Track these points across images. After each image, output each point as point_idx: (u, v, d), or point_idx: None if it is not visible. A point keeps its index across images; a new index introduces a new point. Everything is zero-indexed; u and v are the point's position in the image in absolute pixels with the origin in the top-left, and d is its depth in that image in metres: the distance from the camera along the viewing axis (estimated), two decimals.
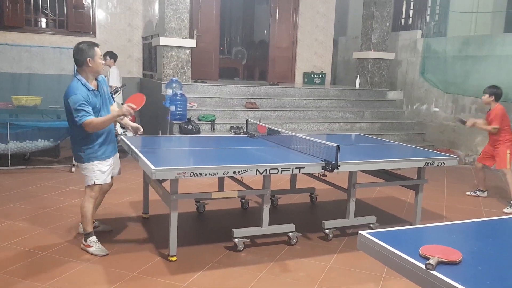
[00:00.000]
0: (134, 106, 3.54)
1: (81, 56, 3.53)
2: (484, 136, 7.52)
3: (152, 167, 3.23)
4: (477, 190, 6.03)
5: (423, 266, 1.66)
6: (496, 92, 5.58)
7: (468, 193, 6.07)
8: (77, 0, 9.00)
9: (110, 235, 4.08)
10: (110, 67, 7.68)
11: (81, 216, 3.70)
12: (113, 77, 7.58)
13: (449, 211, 5.26)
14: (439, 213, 5.16)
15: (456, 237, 2.10)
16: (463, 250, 1.80)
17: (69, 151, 6.88)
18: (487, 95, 5.61)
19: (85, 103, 3.45)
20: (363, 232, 2.00)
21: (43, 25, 9.25)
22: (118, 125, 7.30)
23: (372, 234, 1.98)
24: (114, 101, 7.31)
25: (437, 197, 5.82)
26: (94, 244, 3.64)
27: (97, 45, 3.65)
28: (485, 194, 5.99)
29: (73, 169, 6.28)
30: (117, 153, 3.94)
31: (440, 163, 4.25)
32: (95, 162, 3.62)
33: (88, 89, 3.54)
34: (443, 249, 1.78)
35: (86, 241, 3.66)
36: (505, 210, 5.47)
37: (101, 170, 3.65)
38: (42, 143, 6.46)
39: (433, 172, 6.68)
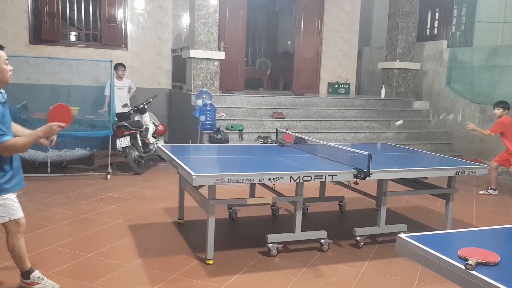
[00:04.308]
0: (63, 124, 2.94)
1: None
2: None
3: (193, 173, 3.40)
4: (489, 189, 6.54)
5: (462, 267, 1.76)
6: (506, 107, 6.40)
7: (482, 192, 6.57)
8: (110, 14, 9.38)
9: (148, 239, 4.26)
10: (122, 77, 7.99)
11: (14, 257, 3.08)
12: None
13: (479, 221, 5.27)
14: (469, 222, 5.18)
15: (492, 241, 2.19)
16: (500, 253, 1.90)
17: (103, 159, 7.18)
18: (501, 109, 6.37)
19: None
20: (403, 235, 2.11)
21: (78, 38, 9.65)
22: (150, 134, 7.59)
23: (412, 237, 2.09)
24: (146, 111, 7.62)
25: (466, 206, 5.83)
26: (39, 280, 3.14)
27: (1, 47, 2.86)
28: (496, 192, 6.51)
29: (109, 176, 6.53)
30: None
31: (470, 172, 4.30)
32: (6, 196, 2.90)
33: None
34: (481, 251, 1.88)
35: (28, 278, 3.13)
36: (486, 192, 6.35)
37: (14, 202, 2.97)
38: (79, 152, 6.75)
39: (462, 182, 6.68)
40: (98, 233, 4.35)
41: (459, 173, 4.22)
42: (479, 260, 1.80)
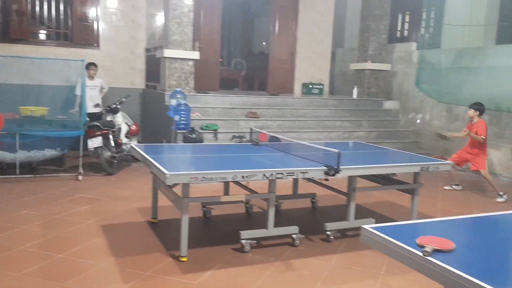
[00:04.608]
0: None
1: None
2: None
3: (167, 172, 3.43)
4: (453, 185, 6.90)
5: (420, 254, 1.87)
6: (480, 109, 6.48)
7: (446, 187, 6.91)
8: (82, 13, 9.26)
9: (121, 238, 4.26)
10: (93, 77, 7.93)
11: None
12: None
13: (442, 214, 5.48)
14: (433, 215, 5.37)
15: (450, 231, 2.33)
16: (455, 241, 2.01)
17: (74, 160, 7.10)
18: (473, 111, 6.48)
19: None
20: (366, 226, 2.21)
21: (49, 37, 9.49)
22: (122, 134, 7.55)
23: (375, 228, 2.19)
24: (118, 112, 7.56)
25: (431, 201, 6.05)
26: None
27: None
28: (460, 187, 6.86)
29: (80, 177, 6.46)
30: None
31: (435, 168, 4.49)
32: None
33: None
34: (437, 240, 2.00)
35: None
36: (498, 199, 6.30)
37: None
38: (49, 152, 6.65)
39: (428, 178, 6.92)
40: (69, 233, 4.33)
41: (424, 169, 4.40)
42: (435, 248, 1.91)
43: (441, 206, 5.87)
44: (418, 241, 1.98)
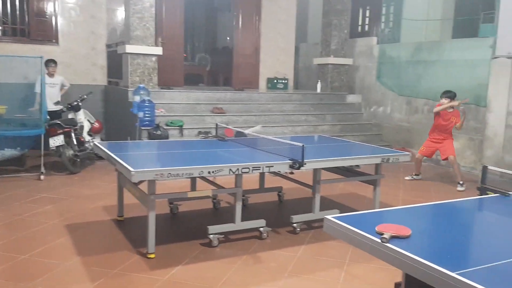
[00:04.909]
0: None
1: None
2: None
3: (132, 169, 3.42)
4: (414, 175, 7.16)
5: (379, 241, 1.97)
6: (451, 96, 6.66)
7: (407, 177, 7.17)
8: (39, 8, 8.97)
9: (87, 237, 4.21)
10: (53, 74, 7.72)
11: None
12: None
13: (404, 203, 5.69)
14: (395, 206, 5.56)
15: (407, 218, 2.45)
16: (412, 227, 2.13)
17: (36, 159, 6.91)
18: (448, 99, 6.59)
19: None
20: (329, 217, 2.30)
21: (4, 33, 9.14)
22: (85, 132, 7.41)
23: (337, 218, 2.29)
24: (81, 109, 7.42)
25: (393, 191, 6.27)
26: None
27: None
28: (420, 177, 7.14)
29: (42, 177, 6.30)
30: None
31: (395, 159, 4.66)
32: None
33: None
34: (395, 227, 2.10)
35: None
36: (458, 188, 6.54)
37: None
38: (9, 152, 6.45)
39: (391, 170, 7.15)
40: (33, 234, 4.24)
41: (385, 160, 4.56)
42: (393, 234, 2.01)
43: (402, 196, 6.10)
44: (377, 228, 2.08)
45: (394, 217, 2.46)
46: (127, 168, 3.50)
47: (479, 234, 2.32)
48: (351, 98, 10.37)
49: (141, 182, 3.94)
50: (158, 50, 8.36)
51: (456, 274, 1.65)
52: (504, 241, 2.19)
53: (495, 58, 7.45)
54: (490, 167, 3.11)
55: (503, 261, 1.86)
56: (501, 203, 2.77)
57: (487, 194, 2.87)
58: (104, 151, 4.26)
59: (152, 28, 8.26)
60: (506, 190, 2.88)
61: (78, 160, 6.88)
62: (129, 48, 8.02)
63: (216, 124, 5.73)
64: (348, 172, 5.15)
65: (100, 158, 7.72)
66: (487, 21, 8.19)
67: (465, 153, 8.00)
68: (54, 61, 7.77)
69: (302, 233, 4.45)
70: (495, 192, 2.89)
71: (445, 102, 6.59)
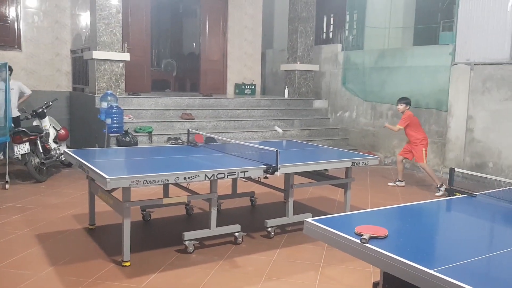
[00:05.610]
0: None
1: None
2: (399, 139, 8.41)
3: (107, 176, 3.39)
4: (396, 181, 7.16)
5: (358, 241, 2.06)
6: (407, 102, 6.87)
7: (390, 183, 7.19)
8: (0, 13, 8.68)
9: (59, 247, 4.12)
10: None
11: None
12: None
13: (373, 206, 5.87)
14: (365, 208, 5.74)
15: (383, 219, 2.56)
16: (388, 228, 2.24)
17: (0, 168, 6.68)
18: (404, 105, 6.82)
19: None
20: (309, 219, 2.38)
21: None
22: (51, 139, 7.22)
23: (317, 221, 2.37)
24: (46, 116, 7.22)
25: (362, 194, 6.46)
26: None
27: None
28: (403, 184, 7.15)
29: (7, 186, 6.10)
30: None
31: (364, 163, 4.82)
32: None
33: None
34: (373, 228, 2.21)
35: None
36: (437, 194, 6.61)
37: None
38: None
39: (358, 173, 7.36)
40: (2, 245, 4.10)
41: (355, 164, 4.71)
42: (371, 235, 2.11)
43: (371, 199, 6.29)
44: (356, 230, 2.17)
45: (370, 219, 2.57)
46: (101, 175, 3.46)
47: (452, 233, 2.46)
48: (317, 104, 10.59)
49: (114, 189, 3.90)
50: (126, 56, 8.27)
51: (434, 271, 1.75)
52: (475, 239, 2.34)
53: (455, 64, 7.83)
54: (457, 169, 3.28)
55: (476, 258, 1.99)
56: (469, 203, 2.95)
57: (455, 195, 3.04)
58: (75, 158, 4.19)
59: (119, 34, 8.17)
60: (472, 191, 3.06)
61: (45, 168, 6.70)
62: (96, 54, 7.89)
63: (188, 130, 5.73)
64: (319, 176, 5.28)
65: (66, 166, 7.56)
66: (447, 29, 8.59)
67: (428, 156, 8.31)
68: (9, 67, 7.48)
69: (276, 237, 4.52)
70: (462, 193, 3.06)
71: (401, 108, 6.83)
